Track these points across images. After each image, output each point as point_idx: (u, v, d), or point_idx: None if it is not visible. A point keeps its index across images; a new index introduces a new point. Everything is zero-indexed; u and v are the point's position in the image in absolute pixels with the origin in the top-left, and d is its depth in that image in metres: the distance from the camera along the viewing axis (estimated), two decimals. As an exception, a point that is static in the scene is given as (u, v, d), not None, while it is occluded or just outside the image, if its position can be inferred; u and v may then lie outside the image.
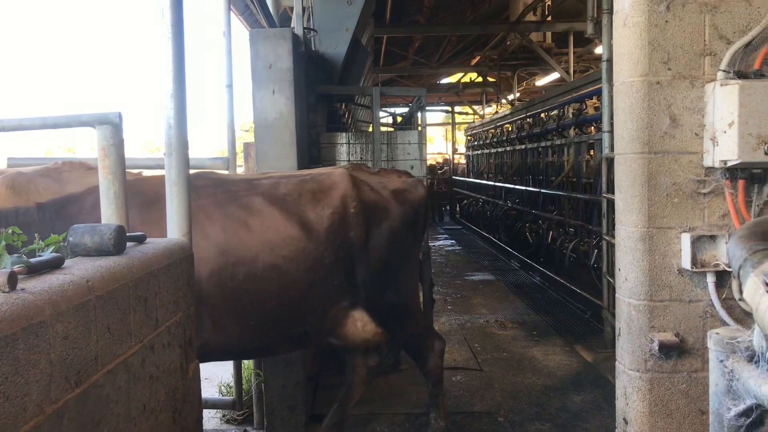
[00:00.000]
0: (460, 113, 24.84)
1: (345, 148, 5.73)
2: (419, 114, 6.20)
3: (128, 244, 2.01)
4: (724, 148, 2.97)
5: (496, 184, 13.67)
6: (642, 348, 3.20)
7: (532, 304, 8.25)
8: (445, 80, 21.70)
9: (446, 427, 4.14)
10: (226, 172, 4.31)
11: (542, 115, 10.37)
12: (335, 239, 3.47)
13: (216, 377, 5.38)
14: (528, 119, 11.27)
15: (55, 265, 1.62)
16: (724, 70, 3.03)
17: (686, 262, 3.08)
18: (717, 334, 2.29)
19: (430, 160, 23.21)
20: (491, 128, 14.84)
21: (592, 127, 8.19)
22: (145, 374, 1.91)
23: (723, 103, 2.96)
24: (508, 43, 14.69)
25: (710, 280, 3.11)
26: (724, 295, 3.12)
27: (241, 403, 4.77)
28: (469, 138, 18.64)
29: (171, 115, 2.44)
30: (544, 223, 10.13)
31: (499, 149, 13.84)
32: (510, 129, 12.85)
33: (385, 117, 12.76)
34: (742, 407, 2.11)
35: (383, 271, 3.66)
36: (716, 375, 2.28)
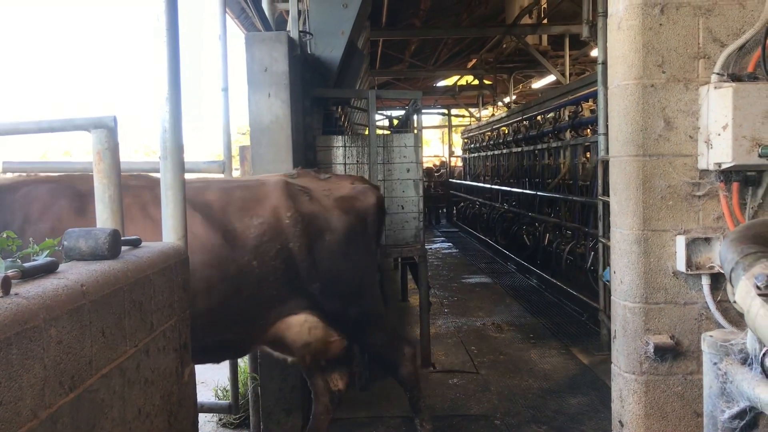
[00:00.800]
0: (457, 116, 24.88)
1: (341, 152, 5.73)
2: (415, 117, 6.20)
3: (123, 247, 2.01)
4: (719, 150, 2.98)
5: (493, 186, 13.69)
6: (637, 350, 3.21)
7: (528, 307, 8.26)
8: (441, 83, 21.72)
9: (433, 430, 4.09)
10: (221, 175, 4.30)
11: (538, 117, 10.39)
12: (268, 250, 3.36)
13: (212, 381, 5.37)
14: (524, 122, 11.29)
15: (49, 269, 1.61)
16: (718, 73, 3.05)
17: (681, 265, 3.09)
18: (711, 336, 2.30)
19: (427, 162, 23.20)
20: (487, 131, 14.86)
21: (588, 130, 8.21)
22: (140, 378, 1.91)
23: (717, 105, 2.97)
24: (504, 45, 14.72)
25: (705, 282, 3.12)
26: (719, 298, 3.12)
27: (237, 407, 4.76)
28: (465, 141, 18.67)
29: (166, 118, 2.44)
30: (540, 225, 10.14)
31: (496, 152, 13.86)
32: (506, 132, 12.87)
33: (381, 120, 12.76)
34: (735, 409, 2.12)
35: (335, 281, 3.55)
36: (710, 377, 2.28)
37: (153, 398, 2.02)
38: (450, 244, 14.90)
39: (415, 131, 6.04)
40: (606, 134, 6.12)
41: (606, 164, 6.09)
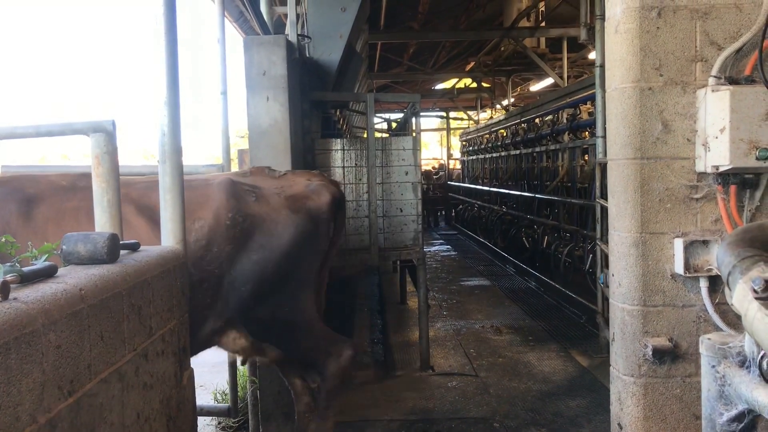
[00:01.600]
0: (455, 119, 24.91)
1: (340, 155, 5.73)
2: (414, 120, 6.21)
3: (122, 252, 2.01)
4: (716, 153, 2.98)
5: (492, 189, 13.70)
6: (636, 353, 3.21)
7: (527, 309, 8.26)
8: (439, 86, 21.75)
9: None
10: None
11: (536, 120, 10.40)
12: (204, 254, 3.17)
13: (211, 384, 5.37)
14: (522, 124, 11.31)
15: (48, 273, 1.62)
16: (715, 76, 3.05)
17: (679, 267, 3.10)
18: (709, 339, 2.30)
19: (426, 165, 23.24)
20: (486, 133, 14.88)
21: (587, 132, 8.22)
22: (138, 382, 1.91)
23: (714, 108, 2.98)
24: (503, 48, 14.74)
25: (703, 285, 3.12)
26: (717, 300, 3.13)
27: (236, 410, 4.76)
28: (464, 143, 18.69)
29: (165, 122, 2.45)
30: (539, 228, 10.15)
31: (494, 154, 13.88)
32: (505, 134, 12.88)
33: (379, 123, 12.77)
34: (734, 412, 2.12)
35: (269, 284, 3.32)
36: (708, 380, 2.29)
37: (152, 402, 2.02)
38: (449, 246, 14.91)
39: (414, 134, 6.05)
40: (604, 137, 6.13)
41: (604, 166, 6.10)
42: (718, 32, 3.10)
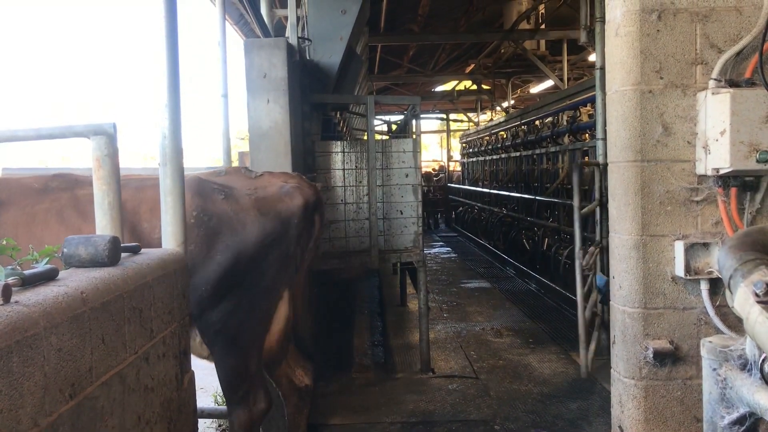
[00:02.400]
0: (455, 121, 24.93)
1: (340, 157, 5.74)
2: (414, 122, 6.21)
3: (123, 254, 2.01)
4: (717, 156, 2.99)
5: (492, 191, 13.70)
6: (637, 355, 3.21)
7: (527, 312, 8.25)
8: (439, 88, 21.77)
9: None
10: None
11: (536, 122, 10.41)
12: None
13: (211, 387, 5.36)
14: (522, 126, 11.31)
15: (49, 276, 1.62)
16: (715, 79, 3.06)
17: (680, 270, 3.10)
18: (710, 342, 2.30)
19: (426, 167, 23.24)
20: (486, 135, 14.88)
21: (587, 135, 8.22)
22: (140, 385, 1.91)
23: (715, 111, 2.98)
24: (503, 50, 14.76)
25: (704, 287, 3.13)
26: (717, 302, 3.13)
27: (236, 413, 4.75)
28: (464, 145, 18.69)
29: (165, 125, 2.45)
30: (539, 230, 10.14)
31: (494, 156, 13.88)
32: (505, 136, 12.89)
33: (379, 125, 12.79)
34: (735, 415, 2.12)
35: (227, 288, 3.19)
36: (709, 383, 2.29)
37: (153, 405, 2.02)
38: (449, 248, 14.90)
39: (414, 136, 6.05)
40: (604, 139, 6.14)
41: (602, 169, 6.10)
42: (719, 35, 3.11)
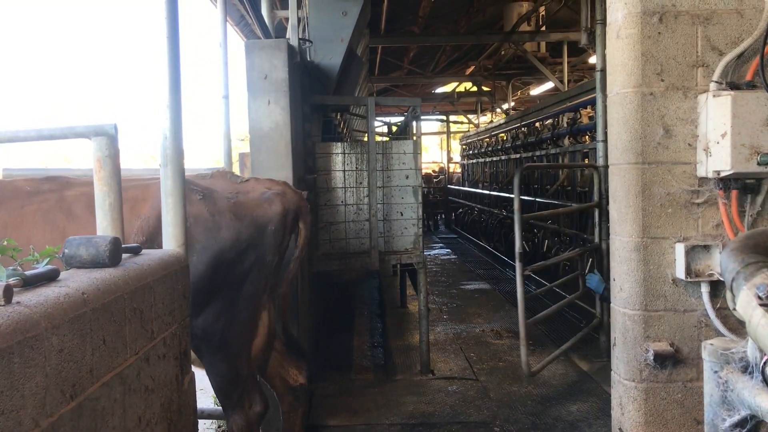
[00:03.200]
0: (455, 122, 24.93)
1: (340, 158, 5.74)
2: (414, 123, 6.21)
3: (124, 255, 2.01)
4: (717, 158, 2.99)
5: (492, 192, 13.70)
6: (637, 358, 3.21)
7: (527, 314, 8.23)
8: (440, 89, 21.77)
9: None
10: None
11: (537, 124, 10.41)
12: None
13: (211, 388, 5.35)
14: (523, 128, 11.31)
15: (50, 277, 1.61)
16: (716, 81, 3.06)
17: (680, 272, 3.10)
18: (711, 344, 2.30)
19: (426, 169, 23.26)
20: (486, 137, 14.89)
21: (587, 136, 8.22)
22: (140, 386, 1.91)
23: (716, 114, 2.98)
24: (503, 52, 14.76)
25: (704, 289, 3.13)
26: (718, 305, 3.13)
27: (236, 414, 4.74)
28: (464, 147, 18.70)
29: (167, 126, 2.45)
30: (539, 231, 10.14)
31: (494, 158, 13.88)
32: (505, 138, 12.89)
33: (380, 126, 12.78)
34: (736, 418, 2.12)
35: (203, 292, 3.15)
36: (711, 386, 2.29)
37: (153, 406, 2.02)
38: (449, 250, 14.90)
39: (414, 138, 6.05)
40: (604, 141, 6.14)
41: (601, 171, 6.11)
42: (720, 38, 3.11)
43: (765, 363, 1.99)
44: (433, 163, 28.87)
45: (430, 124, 28.11)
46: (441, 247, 15.42)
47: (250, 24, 7.92)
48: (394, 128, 11.17)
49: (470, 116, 22.18)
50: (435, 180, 21.22)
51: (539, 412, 4.99)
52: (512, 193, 11.69)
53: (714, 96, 3.00)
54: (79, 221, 3.18)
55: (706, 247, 3.10)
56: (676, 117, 3.13)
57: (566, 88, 12.43)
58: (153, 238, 3.16)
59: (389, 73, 18.31)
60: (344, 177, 5.73)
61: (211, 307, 3.21)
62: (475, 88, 19.25)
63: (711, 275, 3.08)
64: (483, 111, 20.85)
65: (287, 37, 5.60)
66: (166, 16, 2.42)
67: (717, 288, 3.13)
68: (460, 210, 17.87)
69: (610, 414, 3.48)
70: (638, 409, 3.22)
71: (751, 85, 3.02)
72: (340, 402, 5.21)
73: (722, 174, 3.00)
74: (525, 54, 13.34)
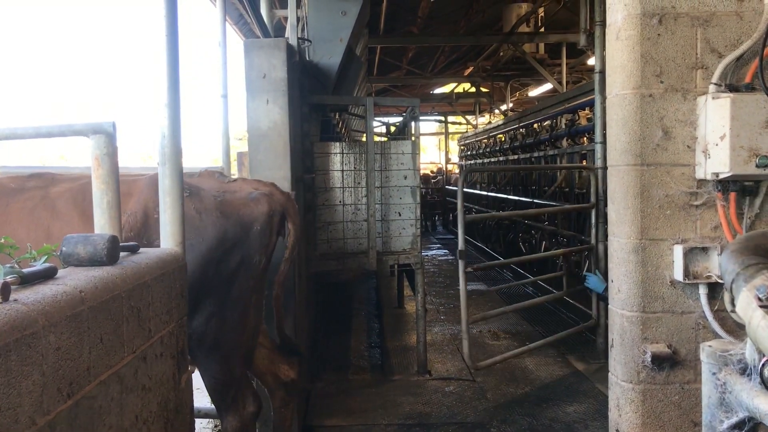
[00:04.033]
0: (454, 123, 24.92)
1: (339, 158, 5.73)
2: (413, 124, 6.21)
3: (121, 253, 2.01)
4: (716, 160, 2.99)
5: (489, 193, 13.70)
6: (635, 359, 3.21)
7: (524, 314, 8.25)
8: (438, 90, 21.78)
9: None
10: None
11: (535, 125, 10.41)
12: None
13: (208, 387, 5.35)
14: (521, 129, 11.31)
15: (48, 275, 1.61)
16: (715, 83, 3.06)
17: (679, 274, 3.10)
18: (710, 346, 2.30)
19: (424, 169, 23.25)
20: (484, 138, 14.89)
21: (585, 138, 8.23)
22: (137, 385, 1.90)
23: (715, 116, 2.99)
24: (501, 53, 14.77)
25: (702, 291, 3.13)
26: (716, 307, 3.13)
27: (232, 414, 4.73)
28: (462, 148, 18.69)
29: (165, 124, 2.44)
30: (536, 232, 10.14)
31: (492, 159, 13.88)
32: (503, 139, 12.89)
33: (378, 126, 12.78)
34: (734, 420, 2.12)
35: (191, 291, 3.03)
36: (709, 387, 2.29)
37: (150, 405, 2.01)
38: (446, 251, 14.90)
39: (413, 138, 6.05)
40: (603, 142, 6.15)
41: (597, 172, 6.11)
42: (719, 40, 3.11)
43: (763, 365, 1.99)
44: (431, 163, 28.87)
45: (428, 125, 28.11)
46: (439, 248, 15.42)
47: (249, 23, 7.92)
48: (393, 128, 11.16)
49: (468, 117, 22.17)
50: (433, 181, 21.22)
51: (536, 413, 4.99)
52: (511, 194, 11.72)
53: (713, 98, 3.01)
54: (64, 218, 3.17)
55: (705, 249, 3.10)
56: (675, 119, 3.13)
57: (565, 90, 12.44)
58: (140, 234, 3.16)
59: (388, 73, 18.31)
60: (342, 177, 5.72)
61: (202, 309, 3.21)
62: (473, 89, 19.26)
63: (709, 277, 3.08)
64: (481, 112, 20.85)
65: (286, 36, 5.59)
66: (166, 15, 2.42)
67: (715, 290, 3.13)
68: (458, 211, 17.84)
69: (607, 415, 3.47)
70: (635, 410, 3.22)
71: (750, 88, 3.02)
72: (337, 402, 5.21)
73: (721, 176, 3.00)
74: (524, 55, 13.35)
